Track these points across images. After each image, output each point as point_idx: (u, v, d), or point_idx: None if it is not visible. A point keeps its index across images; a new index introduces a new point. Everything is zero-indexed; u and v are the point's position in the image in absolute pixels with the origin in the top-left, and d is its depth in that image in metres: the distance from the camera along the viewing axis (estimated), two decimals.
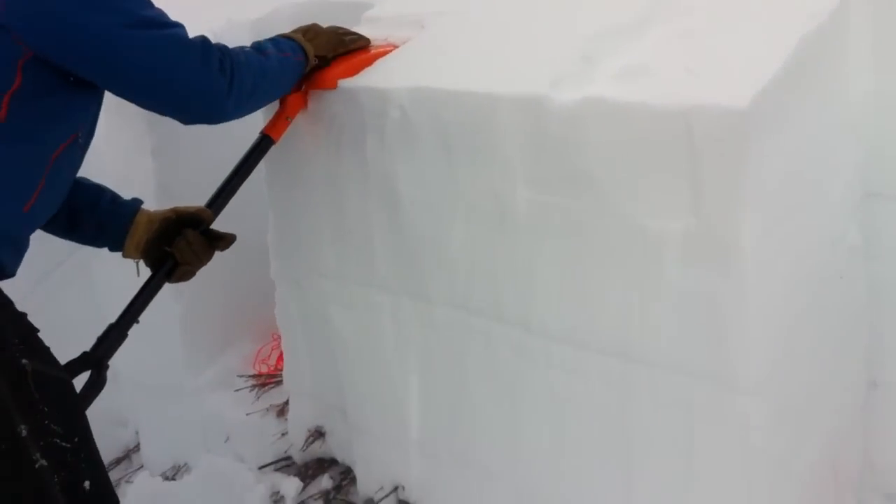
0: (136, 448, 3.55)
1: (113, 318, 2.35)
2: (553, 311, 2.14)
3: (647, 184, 1.90)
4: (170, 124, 2.21)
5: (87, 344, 2.27)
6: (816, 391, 2.12)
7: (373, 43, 2.52)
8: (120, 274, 3.06)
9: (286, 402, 3.09)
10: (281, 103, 2.46)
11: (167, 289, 2.44)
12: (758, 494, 1.96)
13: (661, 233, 1.89)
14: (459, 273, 2.29)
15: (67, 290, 3.36)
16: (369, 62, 2.43)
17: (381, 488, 2.69)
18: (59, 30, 1.90)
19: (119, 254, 2.46)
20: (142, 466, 3.47)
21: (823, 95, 2.03)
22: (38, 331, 2.09)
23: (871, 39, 2.11)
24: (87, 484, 2.03)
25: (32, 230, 2.10)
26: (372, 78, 2.37)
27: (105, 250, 2.64)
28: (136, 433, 3.54)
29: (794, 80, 1.86)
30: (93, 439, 2.11)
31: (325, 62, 2.42)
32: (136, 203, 2.44)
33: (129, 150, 2.98)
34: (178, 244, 2.37)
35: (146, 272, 2.44)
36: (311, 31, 2.42)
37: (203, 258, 2.41)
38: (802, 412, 2.07)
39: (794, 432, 2.05)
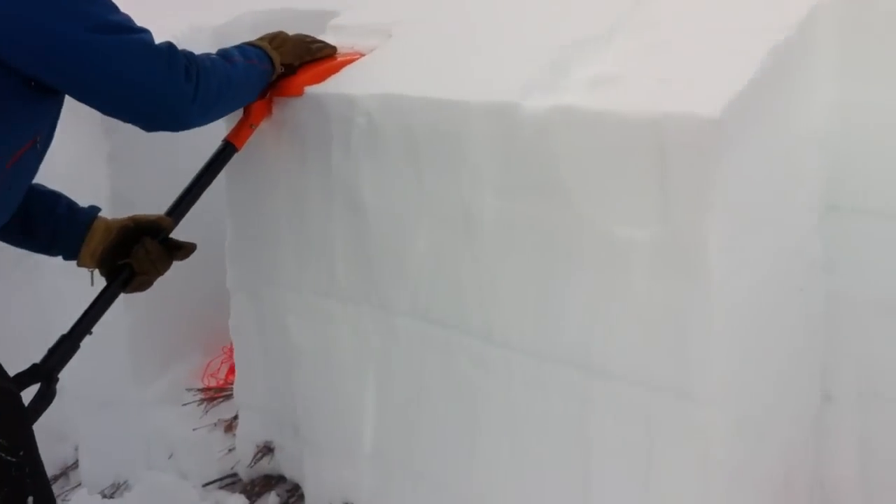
0: (75, 465, 3.44)
1: (60, 330, 2.28)
2: (516, 321, 2.14)
3: (616, 192, 1.92)
4: (126, 130, 2.17)
5: (32, 357, 2.20)
6: (773, 403, 2.14)
7: (339, 51, 2.52)
8: (67, 285, 3.03)
9: (235, 417, 3.03)
10: (245, 111, 2.44)
11: (117, 299, 2.39)
12: None
13: (630, 241, 1.91)
14: (422, 283, 2.28)
15: (13, 301, 3.28)
16: (336, 70, 2.43)
17: None
18: (21, 33, 1.86)
19: (67, 264, 2.40)
20: (80, 484, 3.37)
21: (790, 107, 2.07)
22: None
23: (837, 53, 2.16)
24: (30, 500, 1.98)
25: None
26: (339, 85, 2.37)
27: (54, 260, 2.58)
28: (76, 449, 3.44)
29: (763, 90, 1.90)
30: (38, 454, 2.05)
31: (291, 70, 2.41)
32: (93, 210, 2.39)
33: (84, 155, 2.92)
34: (135, 253, 2.32)
35: (100, 282, 2.39)
36: (277, 39, 2.41)
37: (161, 268, 2.37)
38: (759, 424, 2.09)
39: (751, 444, 2.07)
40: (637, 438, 2.00)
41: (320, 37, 2.57)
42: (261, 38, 2.40)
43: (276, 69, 2.36)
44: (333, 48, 2.50)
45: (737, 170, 1.85)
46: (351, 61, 2.46)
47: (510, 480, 2.24)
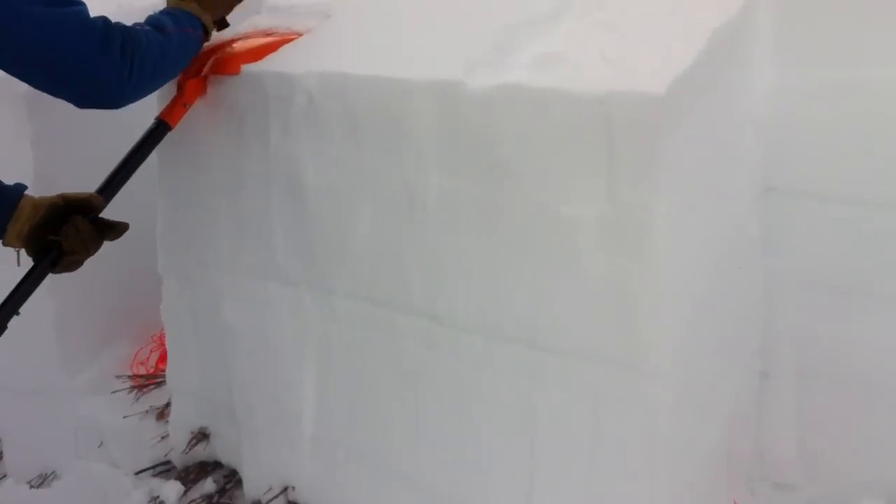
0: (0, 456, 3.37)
1: None
2: (462, 300, 2.12)
3: (562, 170, 1.92)
4: (51, 111, 2.11)
5: None
6: (715, 379, 2.18)
7: (276, 31, 2.47)
8: None
9: (167, 405, 2.98)
10: (178, 88, 2.39)
11: (42, 285, 2.31)
12: (660, 480, 1.99)
13: (576, 219, 1.91)
14: (364, 263, 2.26)
15: None
16: (274, 48, 2.39)
17: (270, 489, 2.61)
18: None
19: None
20: (5, 476, 3.28)
21: (730, 89, 2.10)
22: None
23: (773, 37, 2.20)
24: None
25: None
26: (277, 63, 2.33)
27: None
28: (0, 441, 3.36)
29: (705, 70, 1.92)
30: None
31: (224, 25, 2.37)
32: (20, 188, 2.31)
33: (7, 136, 2.83)
34: (65, 231, 2.25)
35: (27, 262, 2.32)
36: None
37: (91, 248, 2.30)
38: (703, 399, 2.12)
39: (695, 419, 2.10)
40: (584, 414, 2.01)
41: (256, 17, 2.52)
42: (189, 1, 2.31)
43: (210, 32, 2.31)
44: None
45: (681, 147, 1.87)
46: (288, 40, 2.42)
47: (457, 460, 2.23)
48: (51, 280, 2.33)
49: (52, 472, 3.18)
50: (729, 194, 2.15)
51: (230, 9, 2.38)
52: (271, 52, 2.38)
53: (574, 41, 2.04)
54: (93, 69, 1.99)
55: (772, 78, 2.22)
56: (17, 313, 2.25)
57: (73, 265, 2.31)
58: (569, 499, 2.09)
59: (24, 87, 2.20)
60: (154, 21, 2.21)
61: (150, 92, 2.21)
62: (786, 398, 2.40)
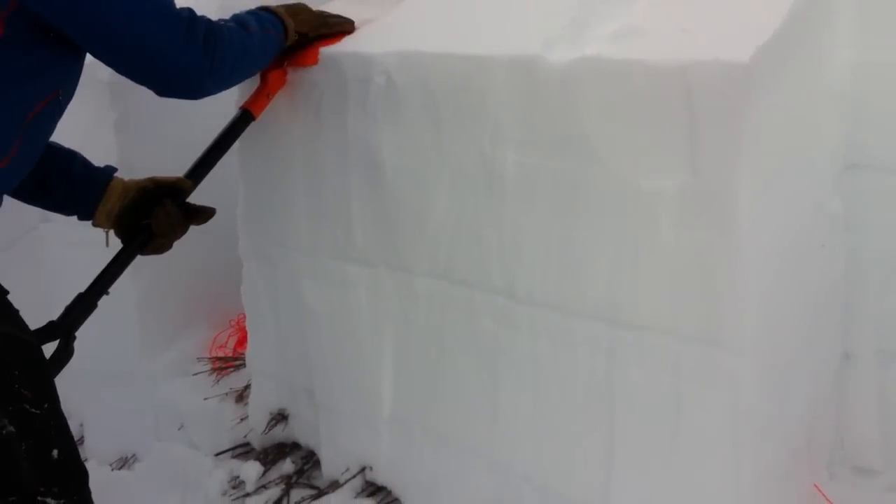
0: (80, 441, 3.43)
1: (63, 303, 2.28)
2: (540, 277, 2.13)
3: (642, 143, 1.91)
4: (133, 97, 2.16)
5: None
6: (796, 357, 2.14)
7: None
8: (70, 256, 3.02)
9: (246, 387, 3.03)
10: (262, 79, 2.44)
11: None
12: (743, 458, 1.96)
13: (656, 192, 1.90)
14: (442, 242, 2.27)
15: (13, 274, 3.24)
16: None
17: (348, 469, 2.64)
18: None
19: (71, 235, 2.39)
20: (86, 459, 3.35)
21: (811, 63, 2.08)
22: (7, 293, 2.02)
23: (855, 12, 2.16)
24: (55, 453, 1.97)
25: (8, 188, 2.03)
26: (354, 44, 2.36)
27: (57, 232, 2.56)
28: (81, 425, 3.42)
29: (787, 42, 1.90)
30: (61, 407, 2.04)
31: (305, 39, 2.39)
32: (110, 170, 2.37)
33: (91, 122, 2.89)
34: (156, 215, 2.31)
35: (115, 243, 2.37)
36: (295, 8, 2.38)
37: (179, 232, 2.36)
38: (784, 377, 2.09)
39: (777, 397, 2.07)
40: (665, 390, 1.99)
41: (328, 7, 2.55)
42: (279, 6, 2.36)
43: (290, 38, 2.34)
44: (351, 23, 2.46)
45: (763, 119, 1.85)
46: None
47: (534, 439, 2.23)
48: (132, 264, 2.38)
49: (133, 455, 3.24)
50: (809, 170, 2.12)
51: (315, 31, 2.39)
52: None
53: (652, 14, 2.02)
54: (175, 59, 2.03)
55: (853, 52, 2.18)
56: (107, 293, 2.31)
57: (162, 248, 2.36)
58: (649, 477, 2.07)
59: (107, 73, 2.26)
60: (239, 19, 2.24)
61: (228, 87, 2.25)
62: (867, 380, 2.35)
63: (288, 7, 2.38)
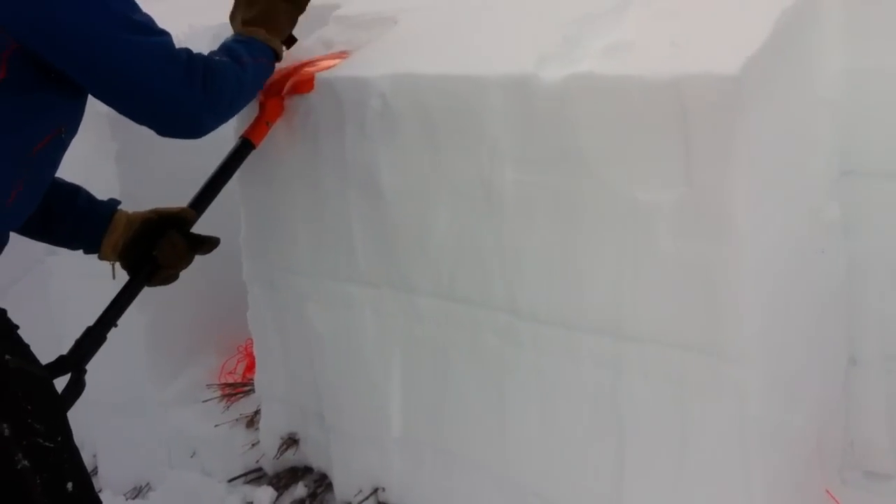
0: (93, 471, 3.44)
1: (72, 335, 2.29)
2: (543, 293, 2.13)
3: (638, 157, 1.92)
4: (133, 130, 2.16)
5: (44, 360, 2.15)
6: (802, 364, 2.14)
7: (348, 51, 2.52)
8: (78, 289, 3.03)
9: (256, 412, 3.04)
10: (260, 108, 2.46)
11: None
12: (753, 468, 1.97)
13: (654, 204, 1.91)
14: (444, 261, 2.28)
15: (23, 306, 3.26)
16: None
17: (360, 491, 2.65)
18: (46, 24, 1.86)
19: (78, 269, 2.40)
20: (100, 490, 3.36)
21: (802, 71, 2.08)
22: (17, 328, 2.04)
23: (843, 20, 2.17)
24: (69, 485, 1.98)
25: (14, 226, 2.05)
26: (350, 68, 2.38)
27: (65, 265, 2.56)
28: (94, 456, 3.43)
29: (777, 52, 1.90)
30: (74, 441, 2.05)
31: (292, 41, 2.42)
32: (114, 203, 2.39)
33: (92, 154, 2.91)
34: (162, 246, 2.32)
35: (121, 275, 2.39)
36: (265, 15, 2.33)
37: (185, 262, 2.37)
38: (791, 385, 2.09)
39: (785, 404, 2.07)
40: (671, 402, 2.00)
41: (323, 29, 2.56)
42: (251, 23, 2.32)
43: (280, 57, 2.35)
44: None
45: (757, 129, 1.85)
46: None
47: (543, 455, 2.24)
48: (140, 294, 2.39)
49: (147, 484, 3.26)
50: (804, 177, 2.13)
51: (293, 23, 2.40)
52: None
53: (642, 29, 2.03)
54: (175, 101, 2.04)
55: (843, 59, 2.18)
56: (116, 325, 2.32)
57: (169, 279, 2.38)
58: (660, 490, 2.07)
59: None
60: (230, 51, 2.23)
61: (226, 121, 2.26)
62: (874, 384, 2.35)
63: (264, 20, 2.32)
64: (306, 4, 2.42)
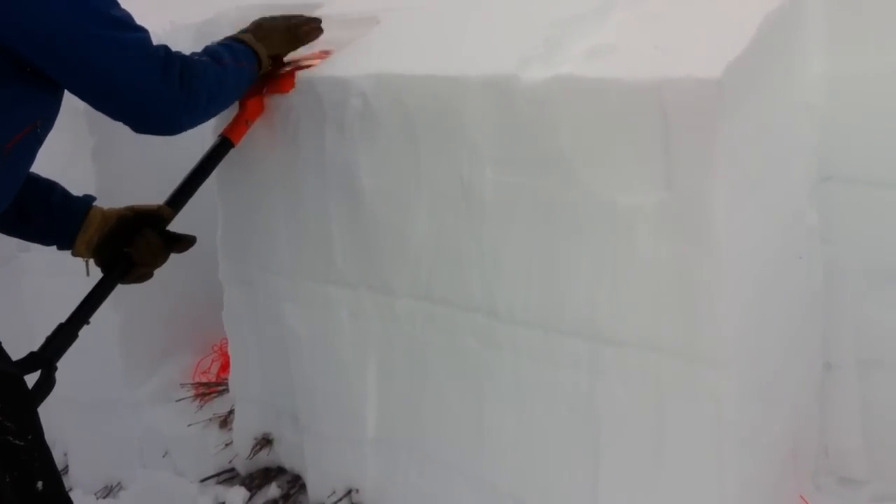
0: (64, 470, 3.40)
1: (43, 331, 2.25)
2: (521, 294, 2.13)
3: (618, 160, 1.92)
4: (110, 125, 2.14)
5: (15, 356, 2.13)
6: (778, 369, 2.16)
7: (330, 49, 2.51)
8: (51, 285, 3.00)
9: (230, 412, 3.01)
10: (240, 106, 2.44)
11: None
12: (727, 471, 1.98)
13: (633, 208, 1.91)
14: (423, 262, 2.27)
15: None
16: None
17: (334, 493, 2.63)
18: (22, 18, 1.84)
19: (51, 264, 2.38)
20: (70, 489, 3.33)
21: (783, 76, 2.10)
22: None
23: (826, 24, 2.19)
24: (40, 484, 1.96)
25: None
26: (330, 67, 2.37)
27: (38, 260, 2.53)
28: (65, 455, 3.40)
29: (758, 56, 1.92)
30: (44, 439, 2.03)
31: (278, 63, 2.40)
32: (89, 199, 2.36)
33: (68, 149, 2.88)
34: (137, 243, 2.29)
35: (95, 272, 2.36)
36: (261, 30, 2.37)
37: (160, 260, 2.34)
38: (767, 389, 2.10)
39: (761, 408, 2.08)
40: (648, 404, 2.00)
41: None
42: (244, 31, 2.36)
43: (264, 67, 2.34)
44: (317, 20, 2.46)
45: (737, 134, 1.86)
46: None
47: (520, 457, 2.24)
48: (114, 292, 2.36)
49: (118, 483, 3.22)
50: (785, 183, 2.14)
51: (287, 50, 2.41)
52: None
53: (624, 32, 2.05)
54: (151, 97, 2.02)
55: (824, 65, 2.20)
56: (88, 322, 2.29)
57: (143, 277, 2.35)
58: (635, 493, 2.08)
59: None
60: (212, 52, 2.22)
61: (203, 121, 2.25)
62: (849, 390, 2.37)
63: (256, 31, 2.35)
64: (306, 39, 2.43)
